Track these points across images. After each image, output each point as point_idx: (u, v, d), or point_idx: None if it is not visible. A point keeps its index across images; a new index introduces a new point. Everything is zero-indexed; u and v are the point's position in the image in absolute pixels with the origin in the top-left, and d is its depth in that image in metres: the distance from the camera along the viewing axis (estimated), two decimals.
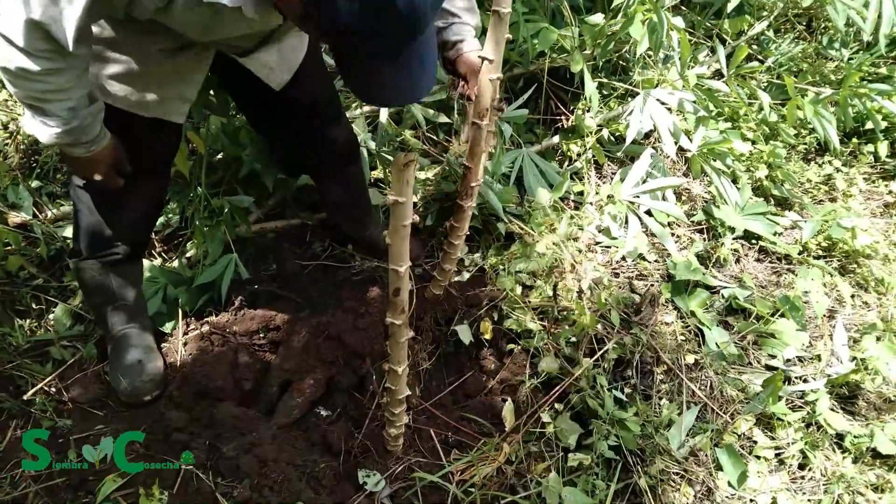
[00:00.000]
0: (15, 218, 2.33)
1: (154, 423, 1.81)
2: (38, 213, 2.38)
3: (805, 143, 3.06)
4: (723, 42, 2.92)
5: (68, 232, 2.30)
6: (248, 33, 1.47)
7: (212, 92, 2.19)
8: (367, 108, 2.64)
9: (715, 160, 2.64)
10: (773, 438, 1.92)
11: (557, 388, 1.93)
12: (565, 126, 2.81)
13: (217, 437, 1.75)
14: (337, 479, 1.72)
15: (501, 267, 2.27)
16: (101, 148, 1.51)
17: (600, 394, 1.90)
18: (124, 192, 1.69)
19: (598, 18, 2.59)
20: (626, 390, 1.95)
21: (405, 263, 1.34)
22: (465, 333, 2.06)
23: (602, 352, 1.99)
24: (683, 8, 3.07)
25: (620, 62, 2.92)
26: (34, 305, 2.15)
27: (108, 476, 1.68)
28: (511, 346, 2.08)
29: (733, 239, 2.53)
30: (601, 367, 1.97)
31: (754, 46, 3.20)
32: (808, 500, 1.77)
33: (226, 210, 2.24)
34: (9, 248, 2.22)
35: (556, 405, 1.91)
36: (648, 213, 2.53)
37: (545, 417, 1.87)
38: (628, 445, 1.82)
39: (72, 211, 2.36)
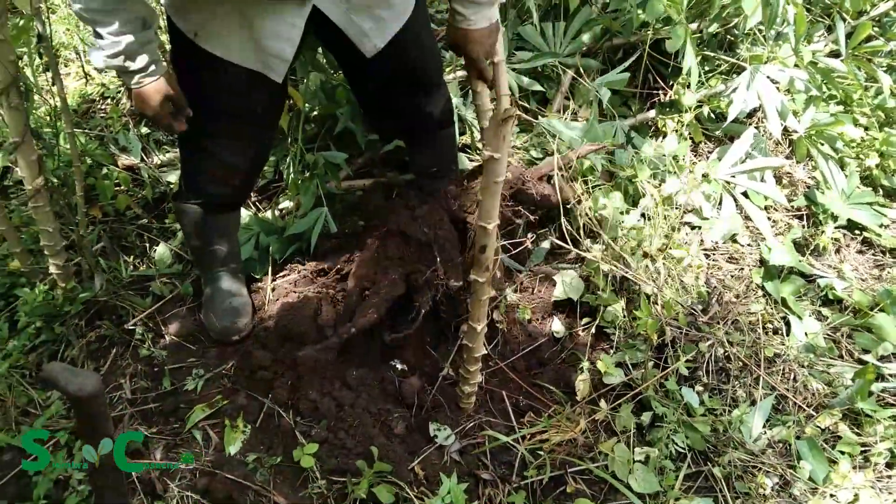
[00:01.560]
0: (124, 161, 2.48)
1: (241, 360, 1.90)
2: (145, 157, 2.52)
3: None
4: (842, 20, 2.74)
5: (172, 177, 2.43)
6: None
7: (320, 50, 2.24)
8: (460, 73, 2.64)
9: (823, 144, 2.50)
10: (859, 435, 1.83)
11: (619, 389, 1.91)
12: (663, 101, 2.72)
13: (298, 378, 1.82)
14: (409, 429, 1.76)
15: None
16: (151, 82, 1.52)
17: (669, 395, 1.87)
18: (213, 142, 1.73)
19: None
20: (698, 388, 1.90)
21: (493, 221, 1.35)
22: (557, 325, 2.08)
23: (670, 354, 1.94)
24: None
25: (728, 37, 2.79)
26: (138, 243, 2.29)
27: (197, 405, 1.80)
28: (587, 319, 2.07)
29: (835, 228, 2.40)
30: (670, 369, 1.90)
31: (875, 28, 2.99)
32: (895, 501, 1.69)
33: (319, 165, 2.30)
34: (118, 187, 2.37)
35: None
36: (745, 195, 2.43)
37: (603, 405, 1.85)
38: (696, 446, 1.79)
39: (176, 158, 2.50)
